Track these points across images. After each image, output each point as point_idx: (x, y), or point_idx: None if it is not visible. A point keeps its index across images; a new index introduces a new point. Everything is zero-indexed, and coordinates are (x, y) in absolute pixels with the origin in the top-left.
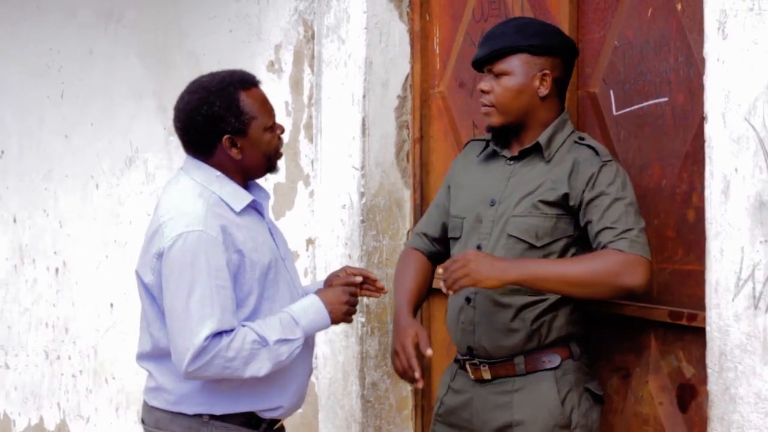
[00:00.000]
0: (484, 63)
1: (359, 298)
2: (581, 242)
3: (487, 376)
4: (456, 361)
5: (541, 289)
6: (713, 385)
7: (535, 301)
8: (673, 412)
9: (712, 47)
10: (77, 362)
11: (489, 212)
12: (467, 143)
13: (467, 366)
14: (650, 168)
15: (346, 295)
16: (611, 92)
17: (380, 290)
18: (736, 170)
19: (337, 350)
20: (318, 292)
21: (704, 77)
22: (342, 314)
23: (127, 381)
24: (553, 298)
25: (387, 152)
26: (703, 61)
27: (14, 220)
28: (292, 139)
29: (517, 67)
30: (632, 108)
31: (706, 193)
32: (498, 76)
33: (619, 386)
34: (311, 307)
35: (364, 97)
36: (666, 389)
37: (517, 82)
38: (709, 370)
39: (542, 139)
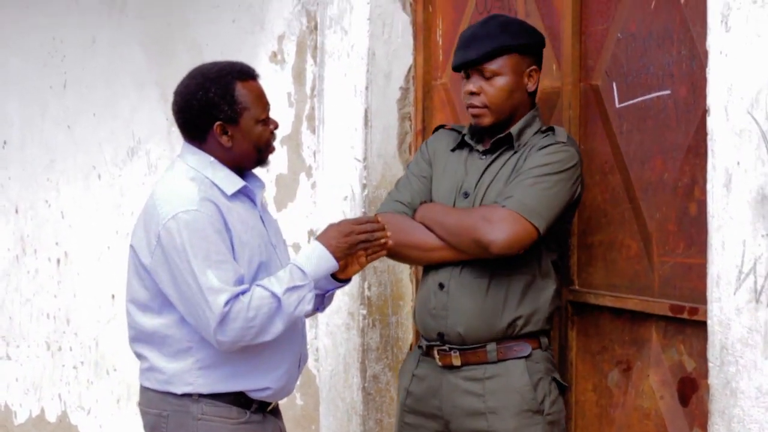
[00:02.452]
0: (474, 64)
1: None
2: (550, 232)
3: (456, 362)
4: (419, 347)
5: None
6: (714, 379)
7: (514, 292)
8: (674, 406)
9: (715, 40)
10: (78, 354)
11: (463, 204)
12: (435, 130)
13: (435, 352)
14: (652, 161)
15: (347, 228)
16: (614, 85)
17: (383, 241)
18: (738, 163)
19: (338, 342)
20: (318, 236)
21: (707, 70)
22: (345, 247)
23: (129, 373)
24: (535, 291)
25: (389, 144)
26: (706, 53)
27: (16, 211)
28: (294, 131)
29: (508, 67)
30: (635, 101)
31: (708, 186)
32: (488, 77)
33: (620, 380)
34: (313, 252)
35: (366, 88)
36: (667, 383)
37: (510, 82)
38: (710, 364)
39: (514, 130)
